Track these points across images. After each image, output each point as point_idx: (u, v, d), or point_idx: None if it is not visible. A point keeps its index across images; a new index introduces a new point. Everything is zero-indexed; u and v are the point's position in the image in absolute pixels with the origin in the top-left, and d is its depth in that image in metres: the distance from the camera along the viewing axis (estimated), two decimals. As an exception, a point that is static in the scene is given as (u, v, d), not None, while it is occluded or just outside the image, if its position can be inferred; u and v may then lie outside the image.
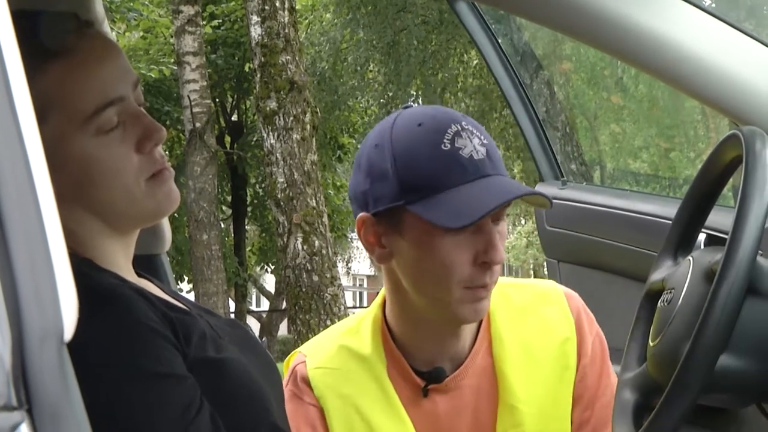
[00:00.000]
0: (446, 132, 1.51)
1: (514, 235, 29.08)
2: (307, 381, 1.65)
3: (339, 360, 1.66)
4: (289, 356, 1.73)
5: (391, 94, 15.80)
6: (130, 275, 1.40)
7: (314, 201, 8.02)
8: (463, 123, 1.53)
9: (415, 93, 16.10)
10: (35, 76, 1.24)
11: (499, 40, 2.82)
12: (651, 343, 1.36)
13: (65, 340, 0.72)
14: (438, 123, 1.53)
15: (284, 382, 1.62)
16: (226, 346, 1.38)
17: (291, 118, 8.09)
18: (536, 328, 1.68)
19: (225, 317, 1.56)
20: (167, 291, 1.48)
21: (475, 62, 15.16)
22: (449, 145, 1.50)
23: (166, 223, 1.73)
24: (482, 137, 1.53)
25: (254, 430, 1.34)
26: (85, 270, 1.29)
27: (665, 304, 1.36)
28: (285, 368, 1.73)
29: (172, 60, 12.75)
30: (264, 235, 19.26)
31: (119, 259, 1.39)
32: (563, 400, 1.67)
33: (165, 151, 1.41)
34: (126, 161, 1.33)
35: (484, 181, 1.50)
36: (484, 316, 1.61)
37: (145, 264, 1.65)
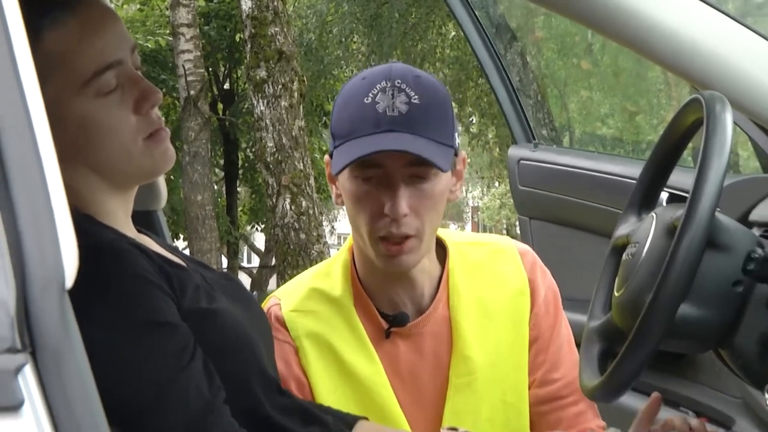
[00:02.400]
0: (375, 86, 1.51)
1: (488, 196, 29.10)
2: (282, 321, 1.63)
3: (311, 302, 1.65)
4: (263, 301, 1.70)
5: (373, 64, 15.68)
6: (129, 230, 1.40)
7: (301, 164, 7.99)
8: (397, 81, 1.51)
9: (396, 63, 16.00)
10: (36, 41, 1.22)
11: (476, 13, 2.81)
12: (616, 294, 1.37)
13: (66, 288, 0.72)
14: (374, 77, 1.52)
15: None
16: (218, 297, 1.37)
17: (279, 87, 8.04)
18: (491, 283, 1.67)
19: (219, 270, 1.55)
20: (164, 245, 1.47)
21: (452, 34, 15.06)
22: (370, 99, 1.50)
23: (161, 181, 1.73)
24: (414, 97, 1.50)
25: (245, 377, 1.34)
26: (86, 225, 1.29)
27: (630, 257, 1.36)
28: None
29: (168, 31, 12.62)
30: (254, 196, 19.21)
31: (119, 214, 1.38)
32: (518, 352, 1.66)
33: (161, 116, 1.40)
34: (124, 122, 1.32)
35: (386, 134, 1.48)
36: (404, 270, 1.59)
37: (143, 219, 1.65)
